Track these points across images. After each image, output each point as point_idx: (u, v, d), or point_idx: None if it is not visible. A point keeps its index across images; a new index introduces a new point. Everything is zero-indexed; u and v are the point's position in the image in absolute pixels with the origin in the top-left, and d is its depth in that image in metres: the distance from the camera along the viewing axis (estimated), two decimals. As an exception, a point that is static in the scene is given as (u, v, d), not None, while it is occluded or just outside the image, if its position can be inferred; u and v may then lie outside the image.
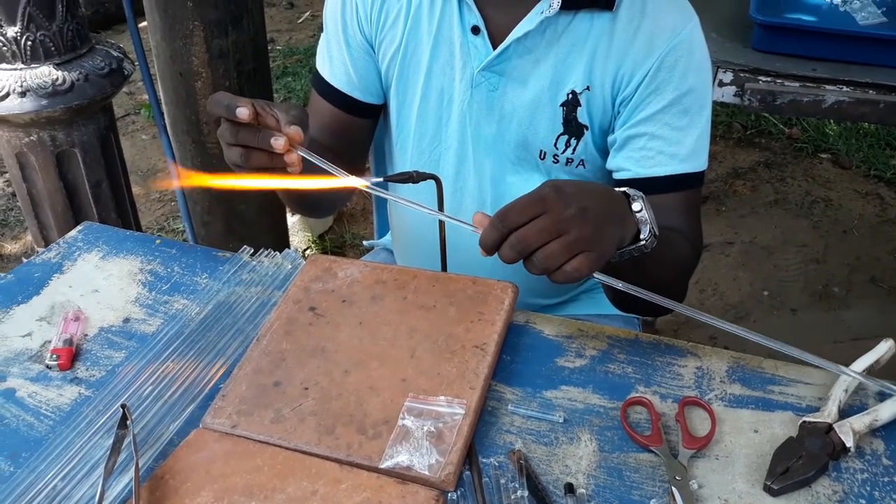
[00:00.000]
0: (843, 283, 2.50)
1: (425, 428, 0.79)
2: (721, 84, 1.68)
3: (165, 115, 1.94)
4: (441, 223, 1.04)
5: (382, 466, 0.77)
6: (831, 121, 3.22)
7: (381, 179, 0.90)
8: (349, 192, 1.26)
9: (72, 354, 0.94)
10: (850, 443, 0.79)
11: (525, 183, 1.11)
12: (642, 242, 0.84)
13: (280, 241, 2.22)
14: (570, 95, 1.03)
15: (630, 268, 0.86)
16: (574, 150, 1.06)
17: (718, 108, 3.28)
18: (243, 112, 0.80)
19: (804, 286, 2.49)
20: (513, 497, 0.75)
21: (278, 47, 4.09)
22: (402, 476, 0.76)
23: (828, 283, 2.50)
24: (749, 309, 2.40)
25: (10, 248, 2.70)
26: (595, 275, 0.80)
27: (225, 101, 0.81)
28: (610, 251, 0.80)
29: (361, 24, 1.11)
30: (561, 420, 0.84)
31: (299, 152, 0.83)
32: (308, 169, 0.85)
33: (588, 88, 1.02)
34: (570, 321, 0.99)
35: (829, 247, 2.66)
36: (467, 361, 0.87)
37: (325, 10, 1.15)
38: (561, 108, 1.04)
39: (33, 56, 1.55)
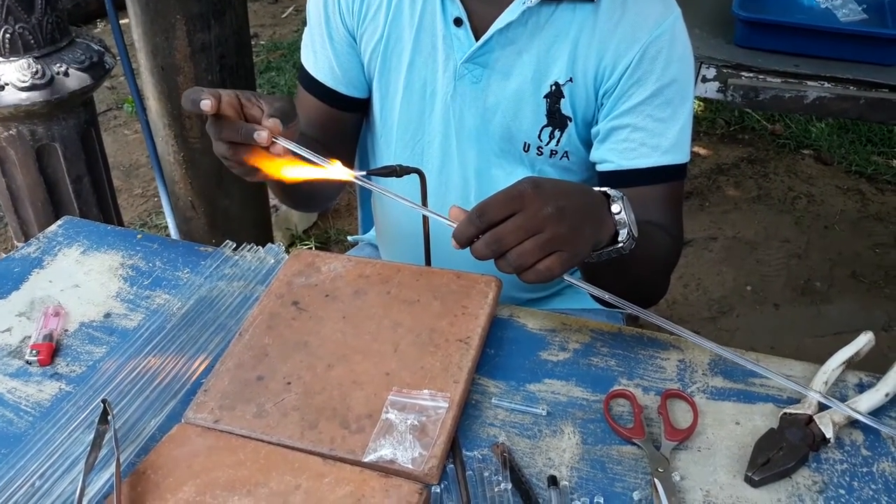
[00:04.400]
0: (825, 278, 2.52)
1: (409, 422, 0.79)
2: (704, 80, 1.69)
3: (148, 110, 1.92)
4: (425, 217, 1.04)
5: (366, 460, 0.76)
6: (813, 117, 3.24)
7: (364, 173, 0.89)
8: (338, 189, 1.25)
9: (52, 350, 0.93)
10: (829, 434, 0.80)
11: (509, 176, 1.11)
12: (620, 245, 0.83)
13: (263, 236, 2.21)
14: (554, 87, 1.03)
15: (609, 266, 0.86)
16: (558, 141, 1.06)
17: (702, 103, 3.30)
18: (206, 104, 0.80)
19: (786, 281, 2.51)
20: (496, 490, 0.75)
21: (262, 42, 4.07)
22: (386, 469, 0.76)
23: (809, 278, 2.52)
24: (732, 304, 2.42)
25: (-10, 244, 2.67)
26: (564, 277, 0.80)
27: (192, 95, 0.81)
28: (584, 252, 0.80)
29: (343, 17, 1.10)
30: (544, 413, 0.84)
31: (281, 143, 0.82)
32: (296, 158, 0.85)
33: (571, 80, 1.02)
34: (554, 315, 0.99)
35: (810, 242, 2.68)
36: (451, 355, 0.87)
37: (308, 3, 1.14)
38: (544, 99, 1.04)
39: (12, 49, 1.54)
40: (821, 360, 0.89)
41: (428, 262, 1.06)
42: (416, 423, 0.79)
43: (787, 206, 2.87)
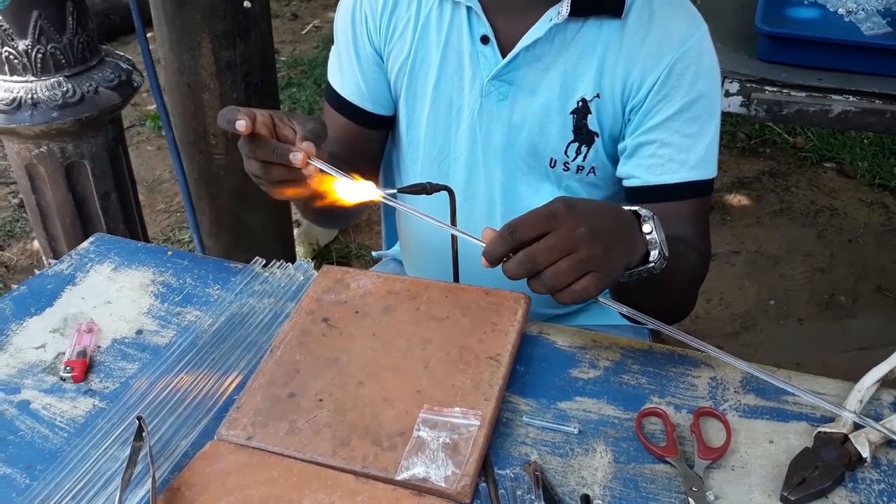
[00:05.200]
0: (849, 293, 2.49)
1: (441, 439, 0.79)
2: (728, 94, 1.69)
3: (173, 127, 1.95)
4: (454, 234, 1.04)
5: (398, 478, 0.77)
6: (835, 130, 3.22)
7: (394, 191, 0.90)
8: (363, 205, 1.26)
9: (85, 366, 0.94)
10: (865, 453, 0.79)
11: (535, 192, 1.11)
12: (651, 264, 0.83)
13: (286, 251, 2.22)
14: (581, 103, 1.03)
15: (639, 284, 0.86)
16: (585, 157, 1.06)
17: (722, 117, 3.28)
18: (241, 125, 0.81)
19: (810, 295, 2.49)
20: (529, 508, 0.75)
21: (282, 58, 4.10)
22: (419, 488, 0.76)
23: (834, 293, 2.50)
24: (755, 318, 2.40)
25: (17, 258, 2.71)
26: (598, 298, 0.80)
27: (228, 115, 0.82)
28: (617, 272, 0.80)
29: (371, 35, 1.11)
30: (576, 431, 0.84)
31: (315, 164, 0.83)
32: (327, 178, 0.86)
33: (598, 96, 1.03)
34: (584, 332, 0.99)
35: (834, 256, 2.66)
36: (481, 373, 0.87)
37: (336, 21, 1.16)
38: (571, 115, 1.04)
39: (44, 68, 1.56)
40: (847, 375, 0.88)
41: (456, 279, 1.06)
42: (447, 440, 0.79)
43: (809, 219, 2.84)
